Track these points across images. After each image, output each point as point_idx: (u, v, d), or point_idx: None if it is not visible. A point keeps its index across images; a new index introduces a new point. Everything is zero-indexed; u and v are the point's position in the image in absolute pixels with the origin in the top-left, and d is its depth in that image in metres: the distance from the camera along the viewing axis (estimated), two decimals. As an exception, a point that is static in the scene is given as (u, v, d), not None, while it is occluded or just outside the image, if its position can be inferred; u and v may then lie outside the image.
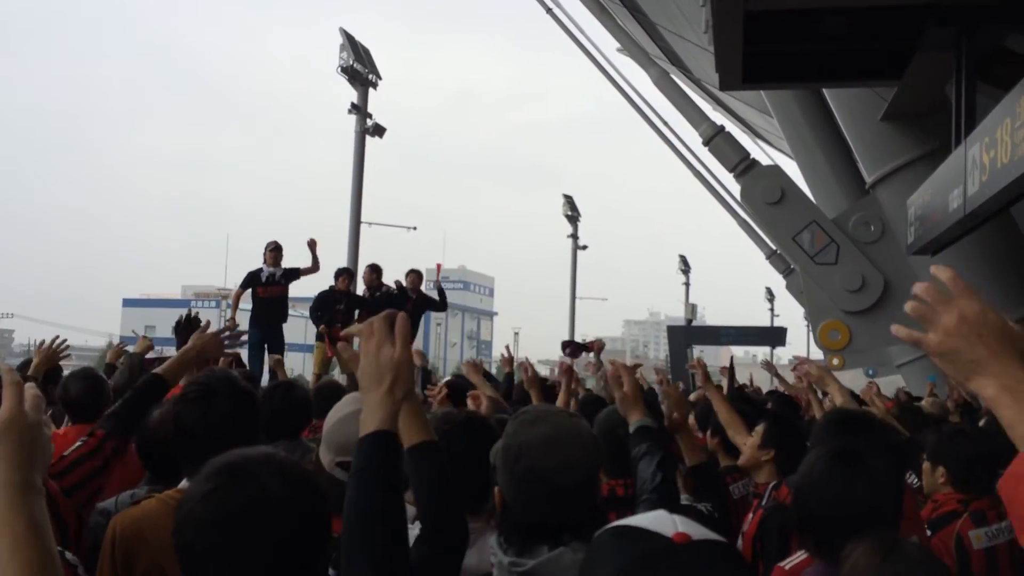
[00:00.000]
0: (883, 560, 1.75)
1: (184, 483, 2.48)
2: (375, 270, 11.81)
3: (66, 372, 5.32)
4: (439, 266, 13.90)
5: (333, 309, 11.07)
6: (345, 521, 1.60)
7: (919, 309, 1.26)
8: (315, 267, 11.11)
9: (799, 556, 2.43)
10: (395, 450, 1.66)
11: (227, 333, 3.94)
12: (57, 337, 4.97)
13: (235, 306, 11.17)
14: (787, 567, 2.47)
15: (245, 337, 10.08)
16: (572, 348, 8.97)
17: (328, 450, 2.12)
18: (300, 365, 37.83)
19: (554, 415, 2.06)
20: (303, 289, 12.20)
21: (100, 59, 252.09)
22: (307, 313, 11.77)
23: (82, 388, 4.14)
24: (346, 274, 11.56)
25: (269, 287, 10.78)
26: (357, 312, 11.66)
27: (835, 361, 16.74)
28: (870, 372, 30.00)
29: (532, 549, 1.89)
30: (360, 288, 12.08)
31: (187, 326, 5.38)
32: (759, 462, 3.62)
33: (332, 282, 11.39)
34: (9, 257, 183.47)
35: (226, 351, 8.06)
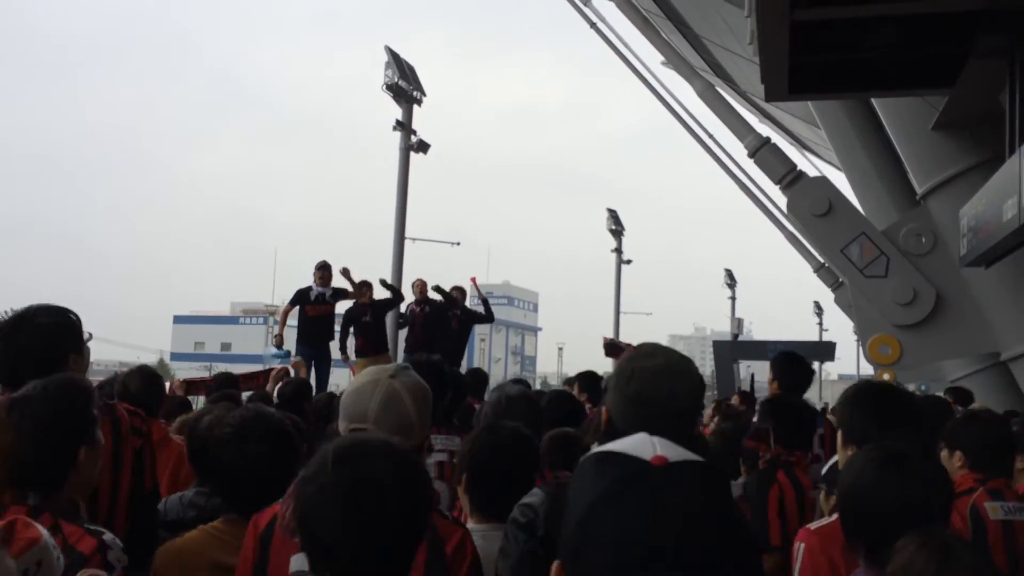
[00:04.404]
0: (939, 568, 1.74)
1: (222, 519, 2.52)
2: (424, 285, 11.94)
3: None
4: (474, 279, 13.89)
5: (361, 323, 11.20)
6: None
7: None
8: (355, 295, 11.26)
9: (829, 519, 2.48)
10: None
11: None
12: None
13: (283, 322, 11.37)
14: (814, 527, 2.53)
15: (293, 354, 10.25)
16: (610, 348, 9.03)
17: (343, 418, 2.20)
18: (345, 382, 38.14)
19: (667, 351, 2.21)
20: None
21: (164, 81, 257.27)
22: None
23: (141, 385, 4.40)
24: (366, 287, 11.63)
25: (318, 306, 10.92)
26: (396, 319, 11.88)
27: (886, 376, 16.48)
28: (923, 387, 29.44)
29: None
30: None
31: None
32: None
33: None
34: (64, 274, 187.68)
35: (275, 366, 8.21)
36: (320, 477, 1.58)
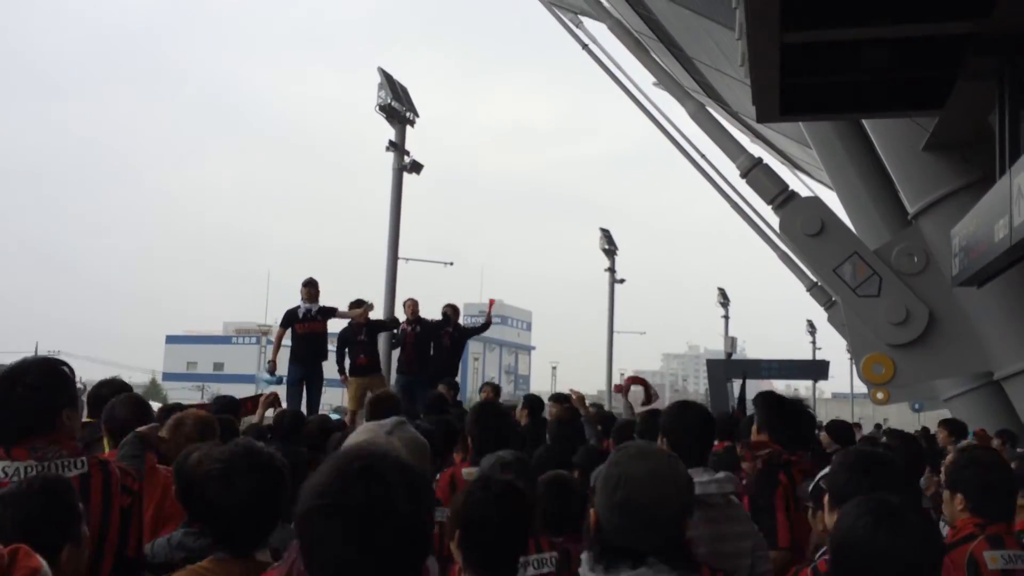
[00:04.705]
0: None
1: (214, 554, 2.47)
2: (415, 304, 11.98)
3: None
4: (492, 302, 13.99)
5: (356, 343, 11.17)
6: None
7: None
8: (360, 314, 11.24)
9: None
10: None
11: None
12: None
13: (276, 347, 11.35)
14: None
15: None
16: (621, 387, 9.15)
17: None
18: (339, 400, 37.96)
19: (654, 454, 2.24)
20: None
21: (156, 101, 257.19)
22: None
23: (128, 412, 4.25)
24: (362, 306, 11.51)
25: (307, 323, 10.88)
26: (389, 338, 11.88)
27: (880, 395, 16.48)
28: (916, 407, 29.45)
29: (617, 567, 2.11)
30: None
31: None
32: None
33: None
34: (55, 294, 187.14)
35: (270, 385, 8.17)
36: (328, 495, 1.53)
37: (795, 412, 4.34)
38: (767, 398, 4.46)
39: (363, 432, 2.21)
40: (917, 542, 2.17)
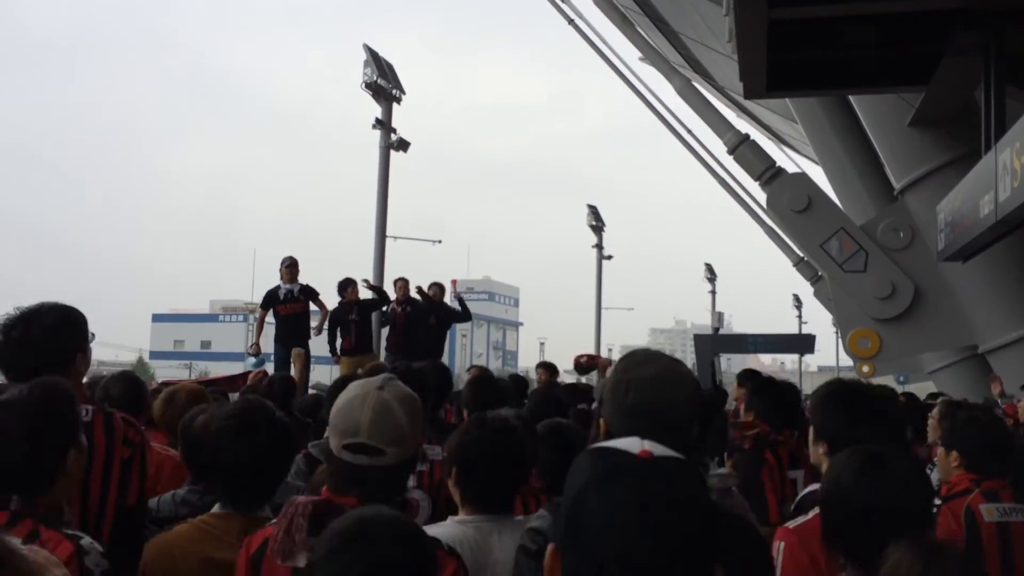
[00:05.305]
0: (925, 568, 1.77)
1: (217, 508, 2.50)
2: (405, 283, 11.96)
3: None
4: (454, 282, 14.06)
5: (346, 322, 11.14)
6: None
7: None
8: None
9: (806, 516, 2.52)
10: None
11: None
12: None
13: (259, 329, 11.24)
14: (792, 526, 2.56)
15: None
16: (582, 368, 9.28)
17: (335, 434, 2.16)
18: (327, 378, 37.99)
19: (659, 357, 2.20)
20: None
21: (140, 78, 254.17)
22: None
23: (123, 390, 4.37)
24: (351, 285, 11.54)
25: (288, 304, 10.78)
26: (377, 317, 11.86)
27: (865, 368, 16.61)
28: (901, 379, 29.70)
29: None
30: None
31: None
32: None
33: (339, 298, 11.41)
34: (40, 273, 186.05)
35: (254, 369, 8.14)
36: (331, 562, 1.59)
37: (779, 392, 4.38)
38: (753, 380, 4.50)
39: (355, 388, 2.20)
40: (903, 489, 2.19)
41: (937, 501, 3.33)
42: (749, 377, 4.58)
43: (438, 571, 1.69)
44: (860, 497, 2.19)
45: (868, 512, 2.17)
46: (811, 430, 3.01)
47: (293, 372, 10.21)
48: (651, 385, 2.08)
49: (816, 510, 2.43)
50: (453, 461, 2.61)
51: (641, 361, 2.16)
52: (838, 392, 2.92)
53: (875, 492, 2.18)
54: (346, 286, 11.34)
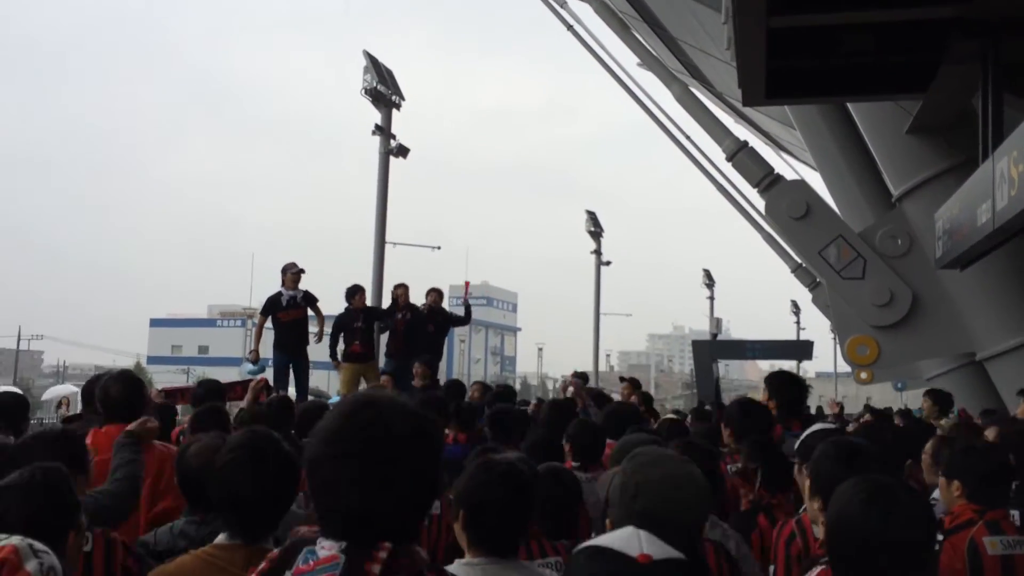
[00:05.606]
0: None
1: (221, 538, 2.48)
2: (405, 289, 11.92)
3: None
4: (467, 284, 14.02)
5: (352, 329, 11.10)
6: None
7: None
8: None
9: (818, 569, 2.44)
10: None
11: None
12: None
13: (258, 336, 11.16)
14: None
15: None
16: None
17: None
18: (325, 383, 37.94)
19: (669, 459, 2.20)
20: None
21: (138, 84, 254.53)
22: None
23: (122, 389, 4.39)
24: (359, 291, 11.50)
25: (290, 311, 10.73)
26: (377, 324, 11.80)
27: (863, 375, 16.59)
28: (899, 386, 29.69)
29: None
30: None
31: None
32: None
33: (346, 304, 11.37)
34: (38, 278, 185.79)
35: (254, 376, 8.12)
36: (335, 442, 1.55)
37: (778, 456, 4.25)
38: (760, 446, 4.36)
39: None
40: (910, 520, 2.16)
41: (940, 536, 3.28)
42: (758, 443, 4.45)
43: (440, 445, 1.65)
44: (867, 527, 2.16)
45: (874, 542, 2.15)
46: (807, 484, 3.02)
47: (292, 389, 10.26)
48: (659, 489, 2.07)
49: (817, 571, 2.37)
50: (460, 504, 2.60)
51: (648, 463, 2.15)
52: (844, 452, 2.89)
53: (881, 523, 2.16)
54: (355, 292, 11.28)
